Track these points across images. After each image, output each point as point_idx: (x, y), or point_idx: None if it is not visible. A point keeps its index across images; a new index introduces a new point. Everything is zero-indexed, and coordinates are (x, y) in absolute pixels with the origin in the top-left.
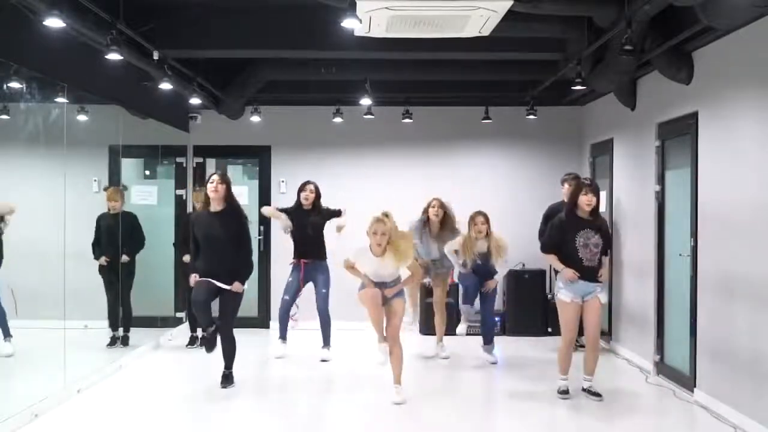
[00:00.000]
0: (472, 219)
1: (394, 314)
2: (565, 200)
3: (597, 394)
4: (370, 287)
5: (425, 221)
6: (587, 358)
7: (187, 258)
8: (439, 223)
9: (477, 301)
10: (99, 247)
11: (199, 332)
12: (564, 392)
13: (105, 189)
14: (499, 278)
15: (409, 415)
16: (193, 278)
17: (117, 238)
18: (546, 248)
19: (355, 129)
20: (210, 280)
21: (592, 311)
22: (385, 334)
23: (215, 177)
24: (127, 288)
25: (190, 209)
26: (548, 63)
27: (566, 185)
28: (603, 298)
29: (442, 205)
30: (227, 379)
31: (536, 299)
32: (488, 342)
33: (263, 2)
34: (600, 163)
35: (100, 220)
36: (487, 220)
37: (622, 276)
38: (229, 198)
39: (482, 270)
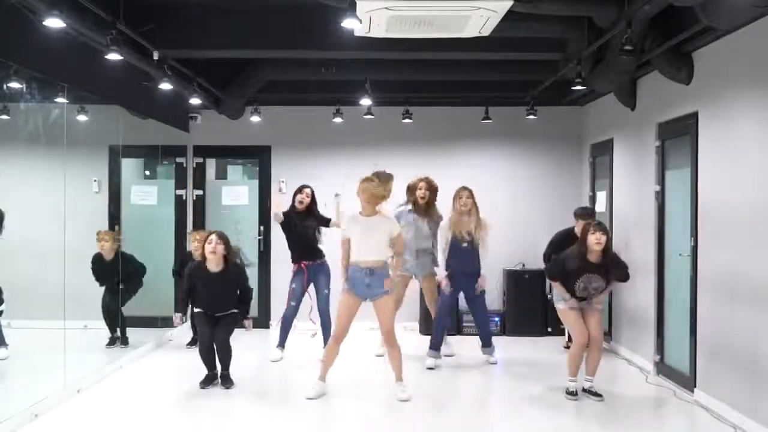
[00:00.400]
0: (457, 194)
1: (383, 313)
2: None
3: (598, 395)
4: (350, 295)
5: (412, 204)
6: (589, 359)
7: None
8: (425, 205)
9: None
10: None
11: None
12: (572, 393)
13: (97, 234)
14: (485, 273)
15: (410, 416)
16: (177, 318)
17: (115, 277)
18: (551, 275)
19: (355, 129)
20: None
21: (593, 314)
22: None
23: (213, 237)
24: (125, 301)
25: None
26: (548, 63)
27: (579, 221)
28: (598, 305)
29: (429, 187)
30: (227, 380)
31: (536, 299)
32: (487, 345)
33: (263, 2)
34: (600, 163)
35: (96, 263)
36: (471, 195)
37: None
38: (228, 255)
39: (467, 260)
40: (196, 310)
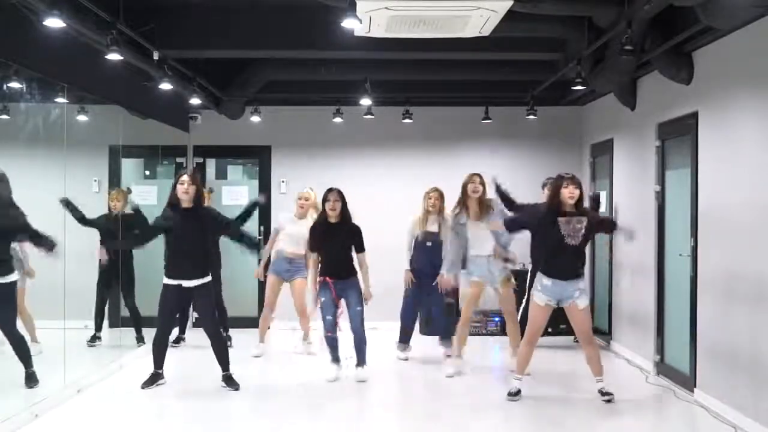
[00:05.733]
0: (427, 194)
1: (298, 292)
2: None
3: (607, 394)
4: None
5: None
6: (588, 359)
7: None
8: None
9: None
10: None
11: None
12: (514, 394)
13: (110, 193)
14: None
15: (411, 421)
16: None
17: (117, 235)
18: (507, 225)
19: (355, 129)
20: (180, 283)
21: (576, 315)
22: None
23: (185, 178)
24: (131, 293)
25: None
26: (548, 63)
27: (546, 190)
28: (581, 303)
29: (440, 196)
30: (230, 381)
31: None
32: (446, 336)
33: (263, 2)
34: (600, 163)
35: (100, 219)
36: (441, 196)
37: (622, 275)
38: (197, 199)
39: (429, 258)
40: (164, 282)
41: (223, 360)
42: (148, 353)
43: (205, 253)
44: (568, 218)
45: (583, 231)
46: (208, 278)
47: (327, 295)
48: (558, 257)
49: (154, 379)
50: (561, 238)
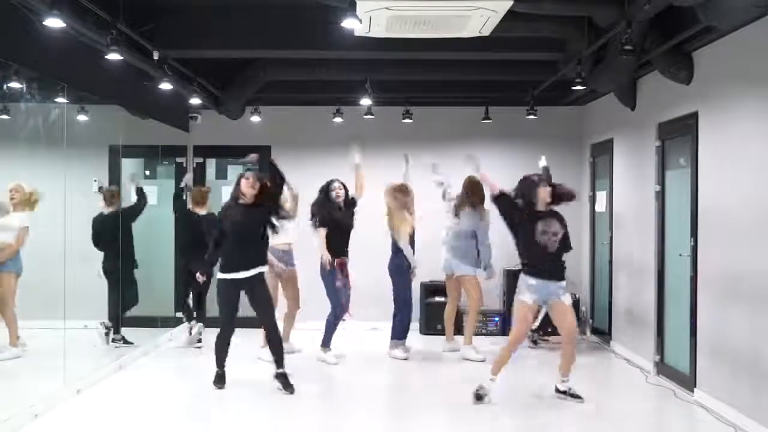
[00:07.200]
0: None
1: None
2: None
3: (578, 396)
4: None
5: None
6: (564, 357)
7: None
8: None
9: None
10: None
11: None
12: (480, 397)
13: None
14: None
15: (406, 421)
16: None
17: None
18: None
19: (355, 129)
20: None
21: (561, 312)
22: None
23: (250, 173)
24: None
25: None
26: (548, 63)
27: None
28: (566, 300)
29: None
30: (287, 382)
31: None
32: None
33: (263, 2)
34: (600, 163)
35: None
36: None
37: (622, 275)
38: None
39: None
40: (220, 276)
41: (281, 359)
42: (147, 353)
43: (265, 244)
44: (546, 223)
45: (557, 243)
46: (265, 267)
47: (341, 279)
48: (538, 255)
49: (219, 379)
50: (540, 244)
